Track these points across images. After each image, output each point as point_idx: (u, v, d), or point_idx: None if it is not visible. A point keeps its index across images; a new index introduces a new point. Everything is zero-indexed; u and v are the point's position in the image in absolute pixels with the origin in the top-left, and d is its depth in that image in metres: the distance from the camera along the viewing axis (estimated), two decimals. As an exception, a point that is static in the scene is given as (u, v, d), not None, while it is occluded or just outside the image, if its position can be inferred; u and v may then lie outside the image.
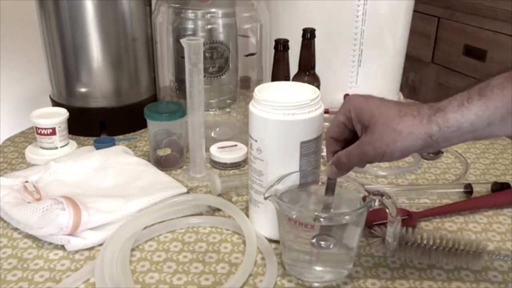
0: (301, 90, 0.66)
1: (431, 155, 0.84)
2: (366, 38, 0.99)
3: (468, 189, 0.80)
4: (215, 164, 0.90)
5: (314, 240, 0.57)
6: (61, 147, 0.91)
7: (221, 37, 0.95)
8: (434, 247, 0.63)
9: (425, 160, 0.87)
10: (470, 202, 0.79)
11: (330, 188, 0.59)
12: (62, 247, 0.67)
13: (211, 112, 1.01)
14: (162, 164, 0.88)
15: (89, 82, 0.98)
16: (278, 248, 0.66)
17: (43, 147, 0.91)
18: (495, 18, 1.67)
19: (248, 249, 0.65)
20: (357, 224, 0.59)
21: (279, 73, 0.88)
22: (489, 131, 0.48)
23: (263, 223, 0.68)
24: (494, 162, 0.92)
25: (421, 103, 0.52)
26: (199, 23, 0.94)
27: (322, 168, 0.69)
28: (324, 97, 0.67)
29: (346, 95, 1.02)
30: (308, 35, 0.88)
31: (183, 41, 0.76)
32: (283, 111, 0.61)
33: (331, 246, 0.57)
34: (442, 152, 0.86)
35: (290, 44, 0.86)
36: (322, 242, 0.57)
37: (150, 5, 1.01)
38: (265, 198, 0.59)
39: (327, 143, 0.57)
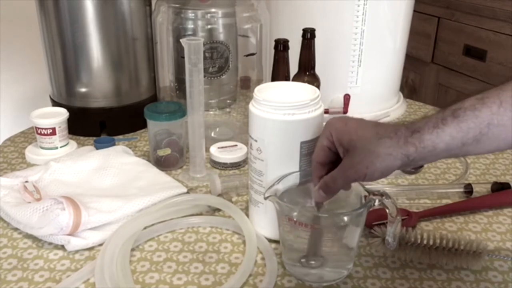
0: (301, 90, 0.66)
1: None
2: (366, 38, 0.99)
3: (468, 189, 0.80)
4: (215, 164, 0.90)
5: (304, 260, 0.58)
6: (61, 147, 0.91)
7: (221, 37, 0.95)
8: (434, 247, 0.64)
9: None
10: (470, 202, 0.79)
11: (319, 208, 0.60)
12: (62, 247, 0.67)
13: (211, 112, 1.01)
14: (162, 164, 0.88)
15: (89, 82, 0.98)
16: (278, 248, 0.66)
17: (43, 147, 0.91)
18: (495, 18, 1.67)
19: (248, 249, 0.65)
20: (357, 224, 0.59)
21: (279, 73, 0.88)
22: (464, 150, 0.49)
23: (263, 223, 0.68)
24: (494, 162, 0.92)
25: (398, 123, 0.54)
26: (199, 23, 0.94)
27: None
28: (324, 97, 0.67)
29: (346, 95, 1.03)
30: (308, 35, 0.88)
31: (183, 41, 0.76)
32: (283, 111, 0.61)
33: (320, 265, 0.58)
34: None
35: (290, 44, 0.86)
36: (312, 262, 0.57)
37: (150, 5, 1.01)
38: (265, 198, 0.59)
39: (314, 168, 0.58)
